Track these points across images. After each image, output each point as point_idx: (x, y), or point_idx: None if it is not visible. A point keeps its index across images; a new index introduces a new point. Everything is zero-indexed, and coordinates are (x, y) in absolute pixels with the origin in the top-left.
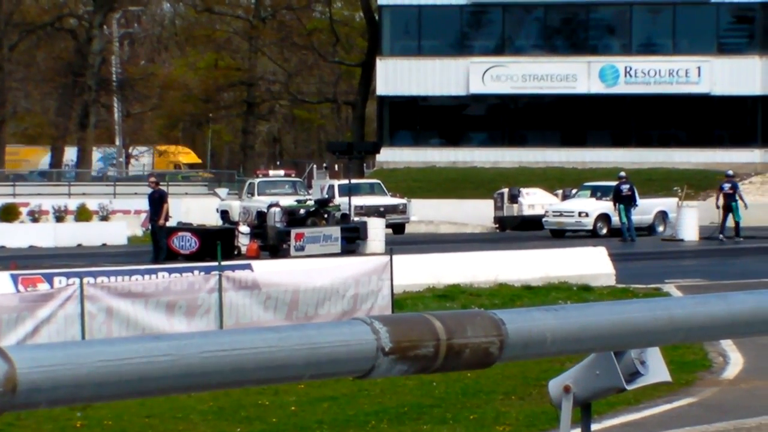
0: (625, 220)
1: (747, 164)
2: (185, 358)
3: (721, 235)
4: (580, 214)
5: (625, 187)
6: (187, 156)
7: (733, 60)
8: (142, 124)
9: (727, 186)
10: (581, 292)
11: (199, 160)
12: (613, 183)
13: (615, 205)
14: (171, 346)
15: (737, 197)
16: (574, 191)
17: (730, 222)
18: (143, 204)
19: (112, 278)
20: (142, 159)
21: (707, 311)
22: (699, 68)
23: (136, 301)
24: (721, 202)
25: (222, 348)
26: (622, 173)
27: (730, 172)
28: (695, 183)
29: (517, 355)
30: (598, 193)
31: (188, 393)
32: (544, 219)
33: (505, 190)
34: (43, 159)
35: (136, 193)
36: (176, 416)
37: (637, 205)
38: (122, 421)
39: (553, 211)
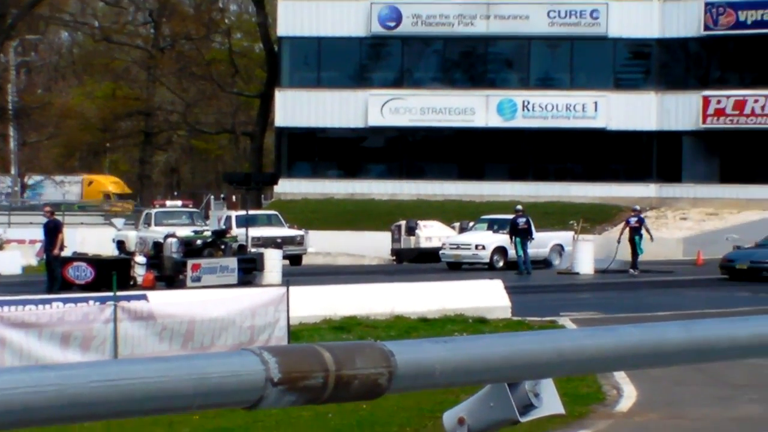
0: (521, 253)
1: (642, 198)
2: (73, 388)
3: (632, 270)
4: (476, 246)
5: (521, 221)
6: (116, 185)
7: (630, 95)
8: (39, 152)
9: (633, 219)
10: (477, 325)
11: (129, 190)
12: (510, 216)
13: (511, 238)
14: (58, 376)
15: (642, 231)
16: (471, 224)
17: (628, 255)
18: (38, 233)
19: (5, 308)
20: (69, 187)
21: (596, 344)
22: (596, 103)
23: (30, 331)
24: (626, 235)
25: (109, 378)
26: (519, 206)
27: (637, 207)
28: (591, 217)
29: (406, 386)
30: (494, 226)
31: (77, 423)
32: (441, 251)
33: (403, 223)
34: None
35: (31, 223)
36: None
37: (533, 239)
38: None
39: (450, 244)
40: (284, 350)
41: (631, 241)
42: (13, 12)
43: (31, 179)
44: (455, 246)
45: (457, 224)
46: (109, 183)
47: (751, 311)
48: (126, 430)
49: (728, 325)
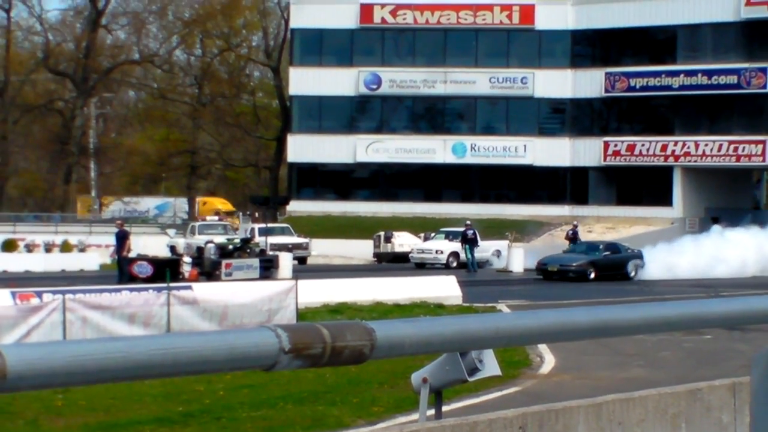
0: (470, 256)
1: (559, 216)
2: (135, 355)
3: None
4: (436, 251)
5: (470, 232)
6: (224, 205)
7: (550, 140)
8: (112, 180)
9: (570, 231)
10: (436, 309)
11: (234, 208)
12: (461, 229)
13: (462, 245)
14: (125, 345)
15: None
16: (432, 234)
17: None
18: (112, 240)
19: (87, 295)
20: (180, 206)
21: (524, 323)
22: (525, 145)
23: (105, 312)
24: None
25: (164, 347)
26: (468, 221)
27: (575, 223)
28: (521, 230)
29: (384, 355)
30: (450, 236)
31: (138, 380)
32: (410, 255)
33: (382, 233)
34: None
35: (106, 232)
36: (134, 398)
37: (479, 245)
38: (93, 401)
39: (417, 249)
40: (292, 327)
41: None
42: (94, 76)
43: (112, 203)
44: (421, 251)
45: (422, 234)
46: (219, 203)
47: (620, 300)
48: (177, 386)
49: (623, 310)
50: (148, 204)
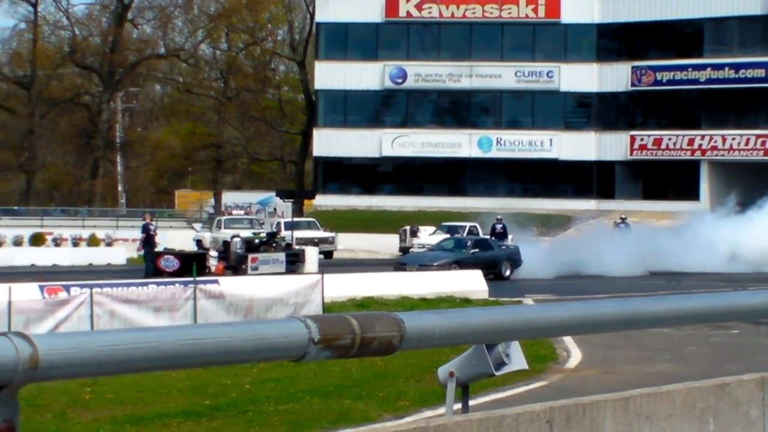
0: None
1: (585, 210)
2: (164, 345)
3: None
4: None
5: (499, 226)
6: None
7: (576, 134)
8: (138, 174)
9: (622, 225)
10: (462, 304)
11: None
12: (462, 223)
13: (491, 238)
14: (154, 335)
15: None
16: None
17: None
18: (138, 234)
19: (114, 289)
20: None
21: (552, 315)
22: (551, 140)
23: (132, 306)
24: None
25: (192, 337)
26: (499, 216)
27: (624, 216)
28: (546, 224)
29: (412, 345)
30: (452, 231)
31: (166, 370)
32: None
33: (408, 227)
34: (208, 201)
35: (133, 226)
36: (161, 391)
37: (508, 239)
38: (120, 395)
39: (418, 244)
40: (322, 318)
41: None
42: (120, 71)
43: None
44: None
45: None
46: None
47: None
48: (202, 379)
49: (651, 302)
50: (249, 198)
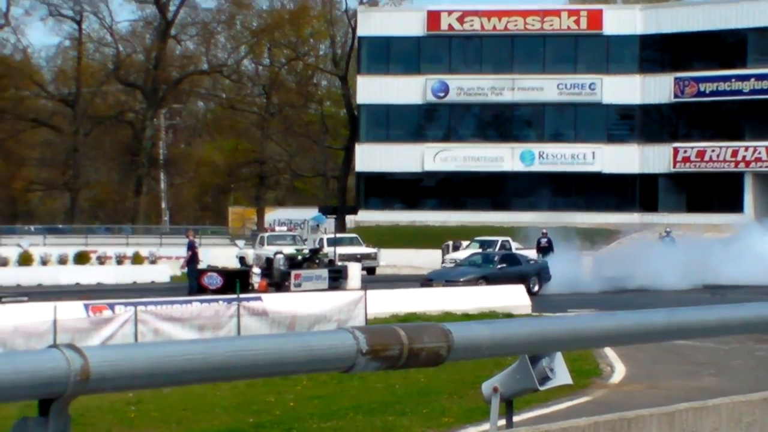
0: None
1: (628, 224)
2: (214, 356)
3: None
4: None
5: (543, 240)
6: None
7: (618, 147)
8: (182, 191)
9: (667, 239)
10: (507, 318)
11: None
12: (494, 238)
13: (537, 253)
14: (204, 347)
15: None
16: (467, 243)
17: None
18: (182, 251)
19: (158, 306)
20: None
21: (600, 325)
22: (593, 153)
23: (176, 323)
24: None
25: (241, 348)
26: (544, 230)
27: (669, 229)
28: (589, 238)
29: (460, 356)
30: (484, 246)
31: (215, 382)
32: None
33: (450, 242)
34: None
35: (176, 243)
36: (205, 409)
37: (553, 253)
38: (165, 413)
39: (450, 259)
40: (370, 329)
41: None
42: (163, 87)
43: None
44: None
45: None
46: None
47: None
48: (246, 396)
49: (700, 312)
50: (299, 215)
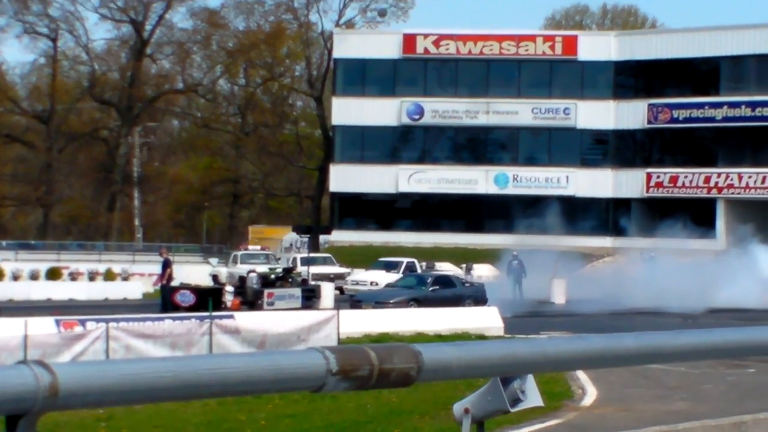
0: (515, 286)
1: (601, 248)
2: (184, 374)
3: None
4: (371, 283)
5: (514, 263)
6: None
7: (592, 171)
8: (155, 208)
9: (649, 261)
10: (478, 340)
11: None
12: (401, 259)
13: (508, 275)
14: (173, 365)
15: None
16: (464, 265)
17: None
18: (154, 268)
19: (130, 323)
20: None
21: (571, 348)
22: (567, 176)
23: (148, 340)
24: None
25: (211, 366)
26: (515, 252)
27: (653, 254)
28: (564, 261)
29: (430, 377)
30: (389, 268)
31: (186, 400)
32: (344, 286)
33: (424, 264)
34: (285, 236)
35: (149, 261)
36: (176, 426)
37: (525, 276)
38: (136, 429)
39: (352, 281)
40: (340, 349)
41: None
42: (138, 105)
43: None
44: (355, 282)
45: (464, 265)
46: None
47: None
48: (217, 414)
49: (671, 336)
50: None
